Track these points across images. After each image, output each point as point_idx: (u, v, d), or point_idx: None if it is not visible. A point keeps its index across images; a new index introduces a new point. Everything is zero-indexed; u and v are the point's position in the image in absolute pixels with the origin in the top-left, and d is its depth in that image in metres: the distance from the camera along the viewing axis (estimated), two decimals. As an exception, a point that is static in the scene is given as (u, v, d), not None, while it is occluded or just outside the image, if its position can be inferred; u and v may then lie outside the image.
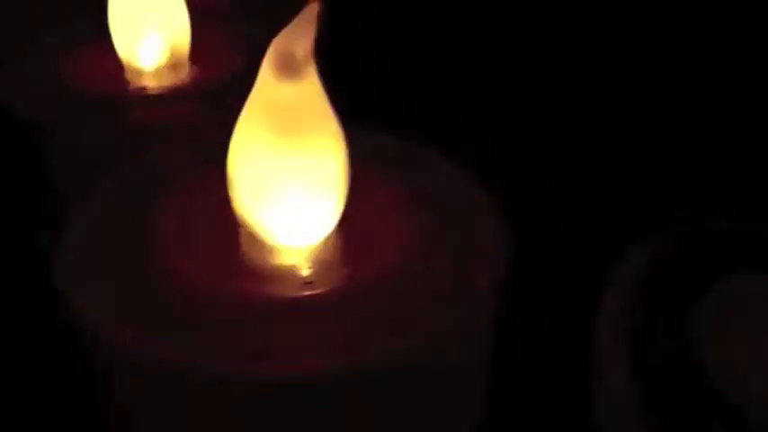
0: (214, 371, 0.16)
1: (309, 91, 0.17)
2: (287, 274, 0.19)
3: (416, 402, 0.19)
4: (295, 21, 0.16)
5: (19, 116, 0.28)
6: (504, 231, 0.19)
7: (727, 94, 0.43)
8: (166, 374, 0.16)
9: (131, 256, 0.19)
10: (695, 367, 0.17)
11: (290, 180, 0.18)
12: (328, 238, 0.19)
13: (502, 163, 0.33)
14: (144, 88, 0.29)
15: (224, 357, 0.16)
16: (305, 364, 0.17)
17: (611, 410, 0.17)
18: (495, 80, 0.46)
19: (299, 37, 0.16)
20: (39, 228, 0.30)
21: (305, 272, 0.19)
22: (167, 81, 0.30)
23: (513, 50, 0.47)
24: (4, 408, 0.26)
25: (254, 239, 0.19)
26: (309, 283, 0.18)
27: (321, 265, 0.19)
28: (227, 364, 0.16)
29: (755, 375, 0.17)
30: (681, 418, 0.16)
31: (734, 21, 0.46)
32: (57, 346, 0.27)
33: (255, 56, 0.24)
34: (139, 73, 0.30)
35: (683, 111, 0.43)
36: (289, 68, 0.16)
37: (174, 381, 0.17)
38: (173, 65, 0.30)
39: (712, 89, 0.43)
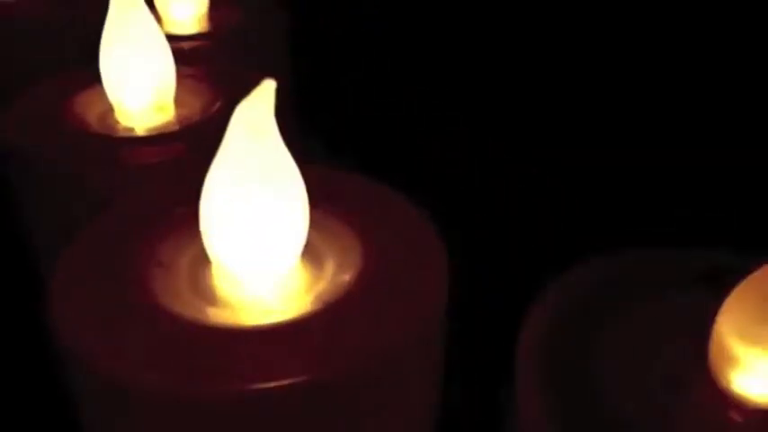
0: (187, 391, 0.19)
1: (271, 147, 0.20)
2: (254, 304, 0.21)
3: (374, 412, 0.21)
4: (256, 91, 0.18)
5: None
6: (446, 256, 0.22)
7: (726, 95, 0.45)
8: (142, 395, 0.19)
9: (115, 288, 0.21)
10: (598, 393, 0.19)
11: (254, 221, 0.20)
12: (292, 270, 0.22)
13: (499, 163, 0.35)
14: (131, 129, 0.32)
15: (197, 378, 0.19)
16: (270, 381, 0.19)
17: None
18: (493, 81, 0.47)
19: (259, 106, 0.18)
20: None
21: (271, 301, 0.21)
22: (153, 122, 0.32)
23: (512, 52, 0.49)
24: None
25: (225, 272, 0.22)
26: (274, 311, 0.21)
27: (286, 293, 0.22)
28: (200, 384, 0.19)
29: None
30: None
31: (732, 22, 0.48)
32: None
33: (233, 99, 0.27)
34: (128, 115, 0.33)
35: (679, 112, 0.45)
36: (253, 133, 0.19)
37: (150, 400, 0.19)
38: (158, 107, 0.32)
39: (706, 90, 0.45)
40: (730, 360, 0.18)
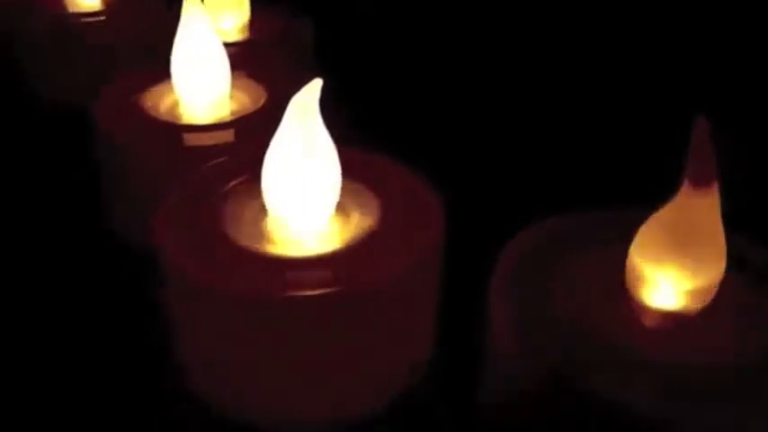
0: (250, 296, 0.26)
1: (316, 129, 0.28)
2: (299, 243, 0.29)
3: (387, 322, 0.29)
4: (306, 87, 0.26)
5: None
6: (441, 210, 0.30)
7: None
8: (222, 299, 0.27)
9: (199, 229, 0.29)
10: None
11: (301, 183, 0.28)
12: (327, 219, 0.30)
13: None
14: (194, 119, 0.40)
15: (258, 287, 0.27)
16: (307, 291, 0.27)
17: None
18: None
19: (309, 98, 0.26)
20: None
21: (311, 241, 0.29)
22: (211, 114, 0.40)
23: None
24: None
25: (278, 220, 0.29)
26: (314, 248, 0.29)
27: (322, 236, 0.30)
28: (259, 291, 0.27)
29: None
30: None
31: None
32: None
33: (273, 94, 0.35)
34: (191, 107, 0.40)
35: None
36: (303, 118, 0.27)
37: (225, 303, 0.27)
38: (216, 101, 0.40)
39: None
40: (639, 279, 0.26)
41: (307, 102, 0.27)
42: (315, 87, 0.26)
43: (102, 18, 0.53)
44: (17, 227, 0.43)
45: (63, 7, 0.55)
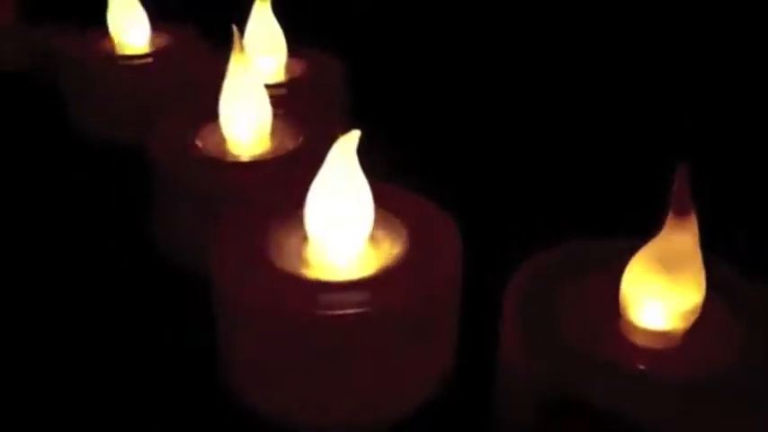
0: (290, 313, 0.31)
1: (353, 169, 0.32)
2: (336, 268, 0.34)
3: (411, 339, 0.33)
4: (346, 135, 0.31)
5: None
6: (459, 240, 0.34)
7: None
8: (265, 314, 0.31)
9: (248, 254, 0.34)
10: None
11: (339, 215, 0.33)
12: (361, 248, 0.34)
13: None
14: (238, 156, 0.45)
15: (297, 306, 0.31)
16: (342, 310, 0.31)
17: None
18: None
19: (348, 144, 0.31)
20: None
21: (347, 266, 0.34)
22: (254, 150, 0.45)
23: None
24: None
25: (318, 248, 0.34)
26: (349, 273, 0.33)
27: (357, 262, 0.34)
28: (299, 309, 0.31)
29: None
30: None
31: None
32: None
33: (310, 133, 0.39)
34: (236, 145, 0.45)
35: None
36: (343, 160, 0.31)
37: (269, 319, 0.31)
38: (258, 139, 0.45)
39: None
40: (631, 303, 0.30)
41: (346, 147, 0.31)
42: (354, 136, 0.31)
43: (150, 60, 0.58)
44: (75, 256, 0.48)
45: (112, 50, 0.60)
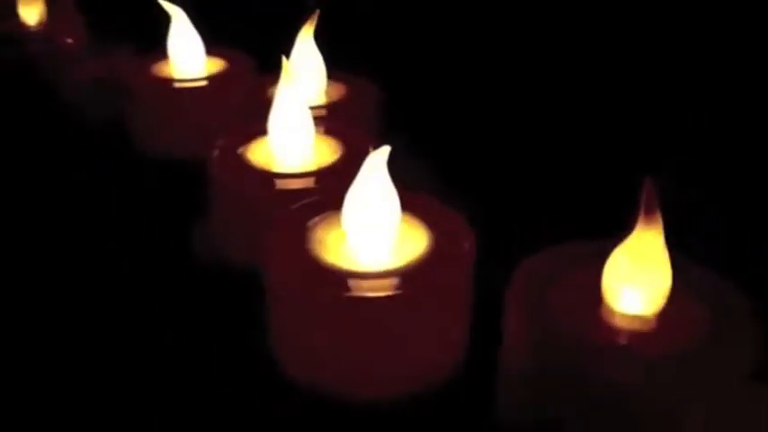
0: (330, 297, 0.38)
1: (383, 179, 0.39)
2: (367, 260, 0.40)
3: (429, 324, 0.39)
4: (378, 150, 0.38)
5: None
6: (473, 237, 0.41)
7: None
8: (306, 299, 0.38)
9: (291, 249, 0.41)
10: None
11: (371, 216, 0.39)
12: (389, 243, 0.41)
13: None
14: (285, 168, 0.51)
15: (337, 290, 0.38)
16: (374, 293, 0.38)
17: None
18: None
19: (379, 158, 0.38)
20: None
21: (377, 261, 0.40)
22: (299, 164, 0.51)
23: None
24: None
25: (355, 243, 0.41)
26: (379, 265, 0.40)
27: (386, 257, 0.41)
28: (339, 293, 0.38)
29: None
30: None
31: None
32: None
33: (350, 149, 0.46)
34: (283, 158, 0.52)
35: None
36: (375, 171, 0.38)
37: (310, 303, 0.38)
38: (302, 154, 0.52)
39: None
40: (611, 292, 0.36)
41: (378, 160, 0.38)
42: (384, 150, 0.38)
43: (204, 84, 0.65)
44: (137, 263, 0.54)
45: (170, 74, 0.67)
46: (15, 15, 0.79)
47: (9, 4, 0.82)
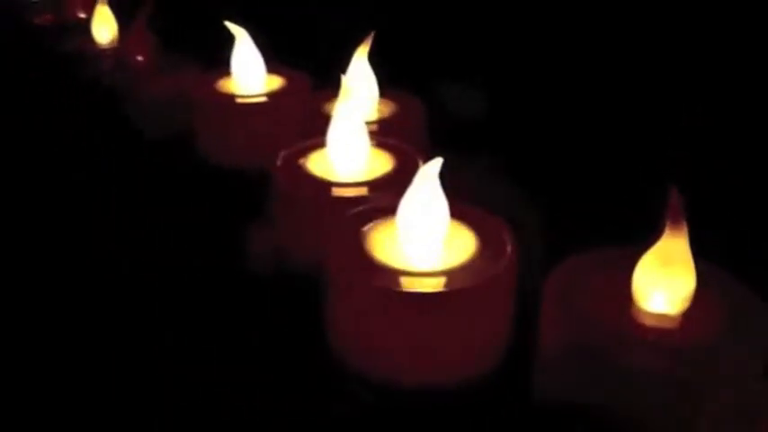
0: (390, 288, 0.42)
1: (435, 187, 0.43)
2: (418, 260, 0.45)
3: (476, 317, 0.43)
4: (430, 162, 0.42)
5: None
6: (515, 242, 0.45)
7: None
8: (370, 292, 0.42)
9: (359, 252, 0.45)
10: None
11: (423, 221, 0.44)
12: (438, 245, 0.45)
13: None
14: (342, 178, 0.56)
15: (397, 284, 0.42)
16: (422, 288, 0.42)
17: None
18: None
19: (431, 169, 0.42)
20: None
21: (427, 261, 0.45)
22: (355, 174, 0.56)
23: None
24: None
25: (409, 244, 0.45)
26: (428, 265, 0.44)
27: (434, 257, 0.45)
28: (398, 287, 0.42)
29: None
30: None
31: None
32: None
33: (400, 161, 0.51)
34: (340, 169, 0.57)
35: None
36: (427, 180, 0.43)
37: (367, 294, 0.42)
38: (358, 165, 0.57)
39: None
40: (640, 293, 0.40)
41: (430, 171, 0.43)
42: (437, 162, 0.42)
43: (265, 100, 0.71)
44: (201, 272, 0.60)
45: (234, 90, 0.72)
46: (89, 34, 0.85)
47: (83, 24, 0.89)
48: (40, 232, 0.66)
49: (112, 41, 0.84)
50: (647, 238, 0.40)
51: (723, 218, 0.55)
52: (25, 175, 0.75)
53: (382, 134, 0.62)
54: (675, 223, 0.38)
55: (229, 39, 0.71)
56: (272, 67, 0.74)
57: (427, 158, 0.45)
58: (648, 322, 0.40)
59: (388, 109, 0.68)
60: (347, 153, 0.56)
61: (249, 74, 0.72)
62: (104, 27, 0.85)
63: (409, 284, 0.42)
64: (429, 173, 0.43)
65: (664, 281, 0.39)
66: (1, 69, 0.92)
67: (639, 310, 0.41)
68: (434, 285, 0.42)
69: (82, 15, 0.93)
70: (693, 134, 0.69)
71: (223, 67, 0.72)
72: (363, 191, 0.54)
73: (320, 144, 0.58)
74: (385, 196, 0.49)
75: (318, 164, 0.57)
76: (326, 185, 0.55)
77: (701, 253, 0.39)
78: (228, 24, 0.71)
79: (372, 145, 0.58)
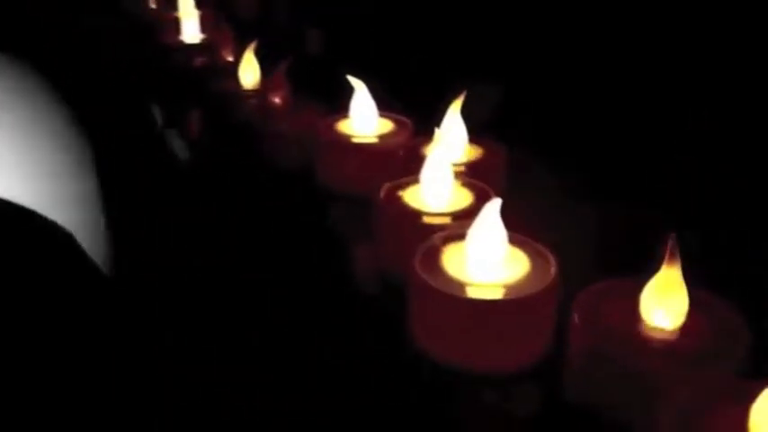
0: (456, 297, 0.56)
1: (495, 219, 0.57)
2: (481, 274, 0.58)
3: (527, 321, 0.57)
4: (493, 200, 0.56)
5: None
6: (558, 264, 0.58)
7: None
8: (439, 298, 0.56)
9: (435, 266, 0.59)
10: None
11: (487, 244, 0.58)
12: (496, 266, 0.59)
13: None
14: (432, 208, 0.71)
15: (458, 293, 0.56)
16: (486, 297, 0.56)
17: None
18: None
19: (494, 206, 0.56)
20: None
21: (488, 275, 0.58)
22: (442, 205, 0.70)
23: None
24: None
25: (474, 261, 0.59)
26: (491, 278, 0.58)
27: (495, 274, 0.59)
28: (459, 295, 0.56)
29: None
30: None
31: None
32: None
33: (478, 196, 0.65)
34: (431, 200, 0.71)
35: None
36: (490, 215, 0.57)
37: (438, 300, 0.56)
38: (445, 199, 0.71)
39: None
40: (645, 311, 0.53)
41: (493, 207, 0.57)
42: (497, 201, 0.56)
43: (376, 141, 0.82)
44: (318, 275, 0.75)
45: (350, 132, 0.88)
46: (237, 78, 1.03)
47: (229, 69, 1.07)
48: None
49: (256, 84, 1.01)
50: (649, 270, 0.52)
51: (726, 219, 0.64)
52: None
53: (469, 174, 0.76)
54: (671, 260, 0.51)
55: (350, 88, 0.83)
56: (382, 113, 0.83)
57: (501, 195, 0.59)
58: (652, 334, 0.52)
59: (474, 153, 0.81)
60: (436, 189, 0.70)
61: (363, 118, 0.82)
62: (249, 72, 1.02)
63: (474, 293, 0.56)
64: (492, 208, 0.57)
65: (664, 302, 0.52)
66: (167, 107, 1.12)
67: (645, 324, 0.53)
68: (493, 294, 0.56)
69: (230, 59, 1.11)
70: (700, 138, 0.74)
71: (343, 111, 0.84)
72: (447, 220, 0.68)
73: (416, 180, 0.68)
74: (464, 224, 0.63)
75: (413, 196, 0.68)
76: (418, 214, 0.69)
77: (711, 254, 0.51)
78: (350, 77, 0.86)
79: (458, 183, 0.72)
